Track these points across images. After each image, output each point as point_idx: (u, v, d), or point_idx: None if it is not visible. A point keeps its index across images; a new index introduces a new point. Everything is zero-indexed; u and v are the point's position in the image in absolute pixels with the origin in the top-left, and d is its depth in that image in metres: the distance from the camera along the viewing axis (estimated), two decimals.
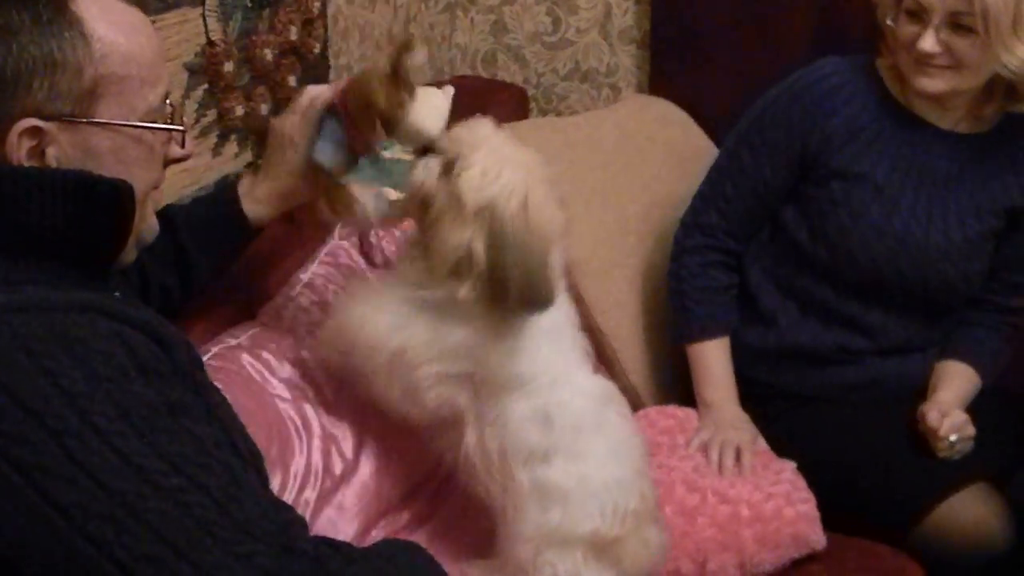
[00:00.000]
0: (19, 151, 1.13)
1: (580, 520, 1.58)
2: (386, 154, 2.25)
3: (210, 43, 1.98)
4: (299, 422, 1.69)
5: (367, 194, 1.62)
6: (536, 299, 1.50)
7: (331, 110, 1.62)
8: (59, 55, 1.13)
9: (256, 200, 1.64)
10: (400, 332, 1.57)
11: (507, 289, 1.48)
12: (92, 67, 1.15)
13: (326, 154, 1.62)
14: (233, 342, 1.74)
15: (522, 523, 1.59)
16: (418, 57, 1.55)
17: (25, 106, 1.12)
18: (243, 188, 1.65)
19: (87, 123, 1.16)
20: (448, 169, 1.53)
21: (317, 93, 1.63)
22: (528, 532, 1.59)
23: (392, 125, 1.58)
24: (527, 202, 1.50)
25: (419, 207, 1.57)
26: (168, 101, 1.26)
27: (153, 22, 1.85)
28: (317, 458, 1.68)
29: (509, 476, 1.59)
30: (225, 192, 1.65)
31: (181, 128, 1.27)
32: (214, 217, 1.63)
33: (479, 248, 1.48)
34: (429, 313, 1.56)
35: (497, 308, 1.50)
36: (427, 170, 1.55)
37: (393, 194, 1.65)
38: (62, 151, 1.15)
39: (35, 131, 1.13)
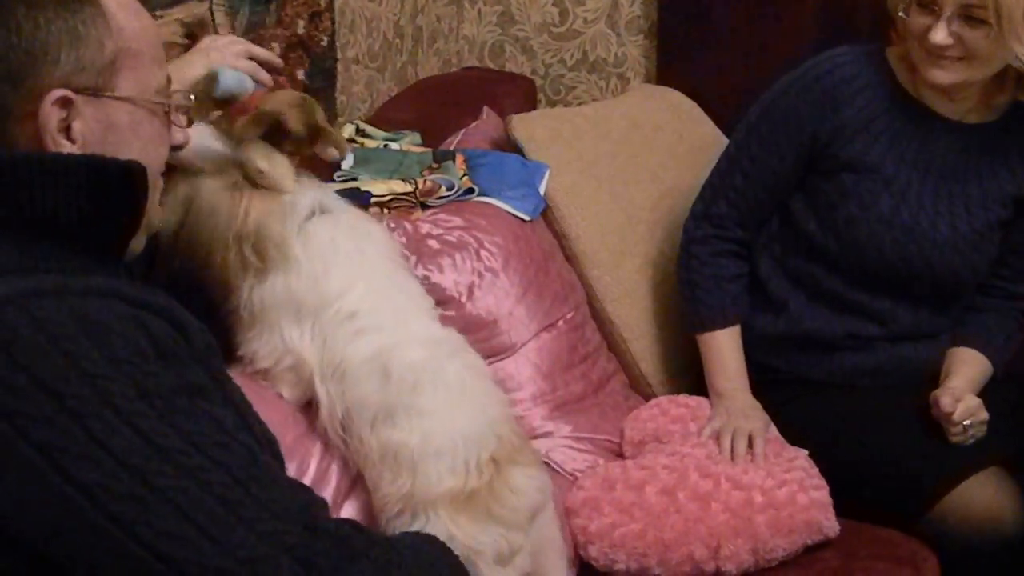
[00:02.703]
0: (51, 124, 1.14)
1: (431, 481, 1.54)
2: (393, 146, 2.26)
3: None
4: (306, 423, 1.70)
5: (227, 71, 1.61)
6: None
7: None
8: (82, 29, 1.16)
9: None
10: None
11: None
12: (111, 41, 1.18)
13: (225, 78, 1.60)
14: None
15: (380, 489, 1.58)
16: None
17: (55, 78, 1.15)
18: None
19: (109, 97, 1.18)
20: None
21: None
22: (387, 504, 1.57)
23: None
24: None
25: None
26: (192, 96, 1.32)
27: (160, 16, 1.87)
28: (331, 455, 1.68)
29: (357, 437, 1.58)
30: None
31: (191, 103, 1.31)
32: None
33: None
34: None
35: None
36: None
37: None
38: (87, 126, 1.17)
39: (65, 102, 1.15)
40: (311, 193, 1.64)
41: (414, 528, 1.53)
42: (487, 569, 1.56)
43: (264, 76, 1.64)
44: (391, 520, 1.57)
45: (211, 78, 1.57)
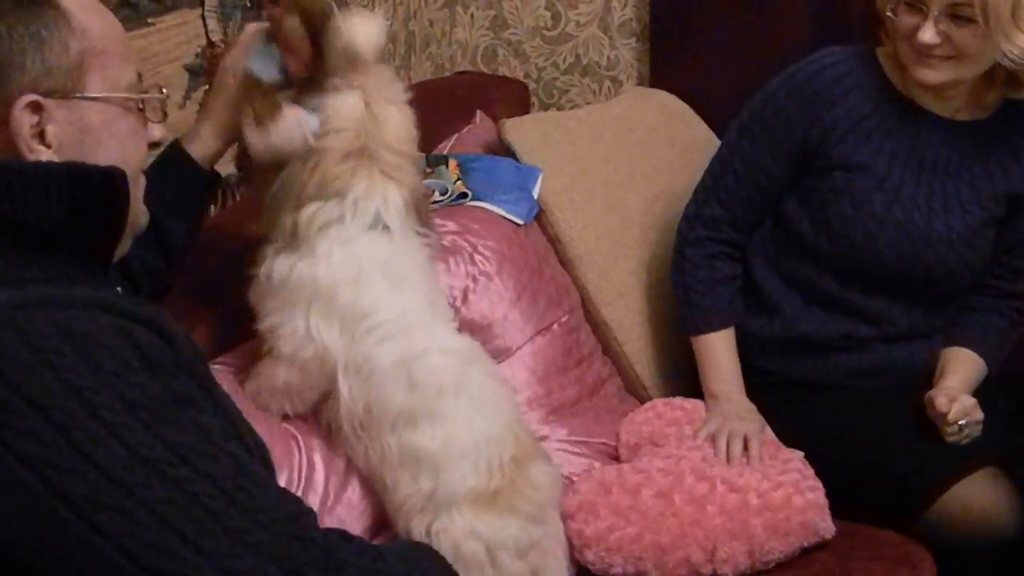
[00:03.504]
0: (23, 130, 1.14)
1: (455, 482, 1.61)
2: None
3: (210, 43, 1.99)
4: (304, 426, 1.70)
5: (299, 114, 1.61)
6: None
7: (269, 37, 1.63)
8: (45, 33, 1.16)
9: (201, 140, 1.64)
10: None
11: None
12: (76, 42, 1.18)
13: (260, 67, 1.62)
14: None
15: (400, 491, 1.62)
16: None
17: (23, 84, 1.15)
18: (186, 136, 1.65)
19: (80, 98, 1.18)
20: None
21: (258, 26, 1.66)
22: (411, 502, 1.61)
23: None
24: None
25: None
26: (163, 90, 1.31)
27: (152, 24, 1.87)
28: (318, 456, 1.69)
29: (377, 439, 1.62)
30: (169, 148, 1.64)
31: (164, 96, 1.30)
32: (169, 176, 1.62)
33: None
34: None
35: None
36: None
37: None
38: (60, 129, 1.17)
39: (35, 107, 1.15)
40: (375, 205, 1.65)
41: (435, 525, 1.58)
42: (509, 561, 1.62)
43: None
44: (411, 517, 1.62)
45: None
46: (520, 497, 1.65)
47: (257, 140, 1.59)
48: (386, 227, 1.64)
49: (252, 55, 1.62)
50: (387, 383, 1.61)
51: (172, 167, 1.63)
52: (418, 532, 1.61)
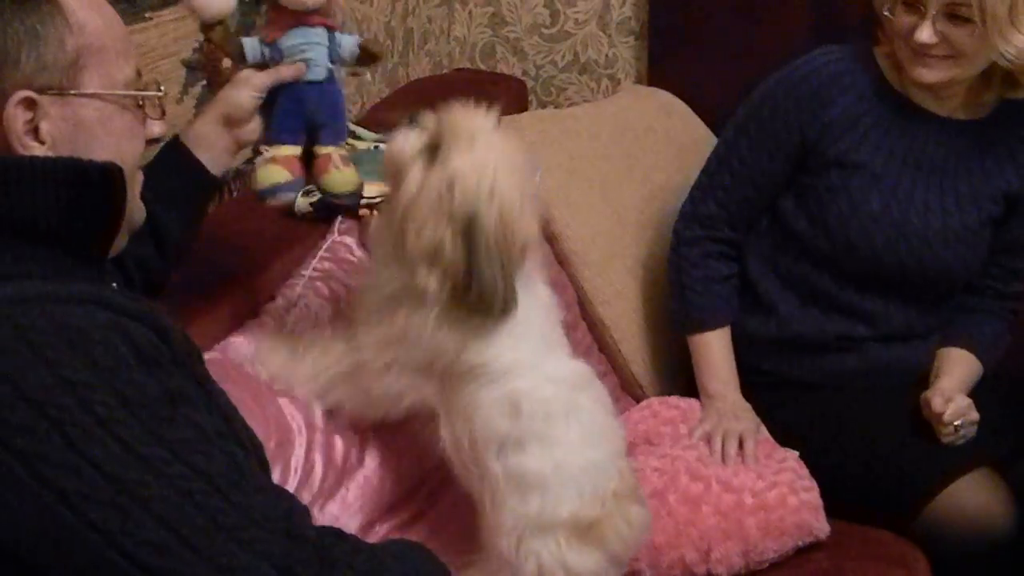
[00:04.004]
0: (16, 126, 1.14)
1: (559, 505, 1.58)
2: (384, 147, 2.25)
3: (207, 39, 1.98)
4: (301, 419, 1.69)
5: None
6: (496, 307, 1.50)
7: None
8: (41, 29, 1.15)
9: (202, 137, 1.60)
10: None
11: (472, 292, 1.48)
12: (72, 39, 1.17)
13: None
14: (237, 341, 1.74)
15: (502, 513, 1.59)
16: None
17: (17, 80, 1.14)
18: (186, 135, 1.61)
19: (75, 95, 1.18)
20: (433, 150, 1.51)
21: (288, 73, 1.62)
22: (508, 522, 1.59)
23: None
24: (510, 212, 1.49)
25: (393, 176, 1.56)
26: (161, 87, 1.29)
27: (150, 19, 1.87)
28: (318, 454, 1.68)
29: (483, 466, 1.59)
30: (171, 146, 1.61)
31: (161, 93, 1.29)
32: (168, 172, 1.58)
33: (451, 247, 1.47)
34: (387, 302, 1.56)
35: (458, 307, 1.50)
36: (407, 142, 1.54)
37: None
38: (54, 126, 1.16)
39: (29, 104, 1.14)
40: None
41: (526, 546, 1.58)
42: None
43: None
44: (509, 537, 1.59)
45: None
46: (612, 533, 1.62)
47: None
48: None
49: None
50: (491, 419, 1.57)
51: (173, 162, 1.60)
52: (505, 548, 1.59)
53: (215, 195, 1.68)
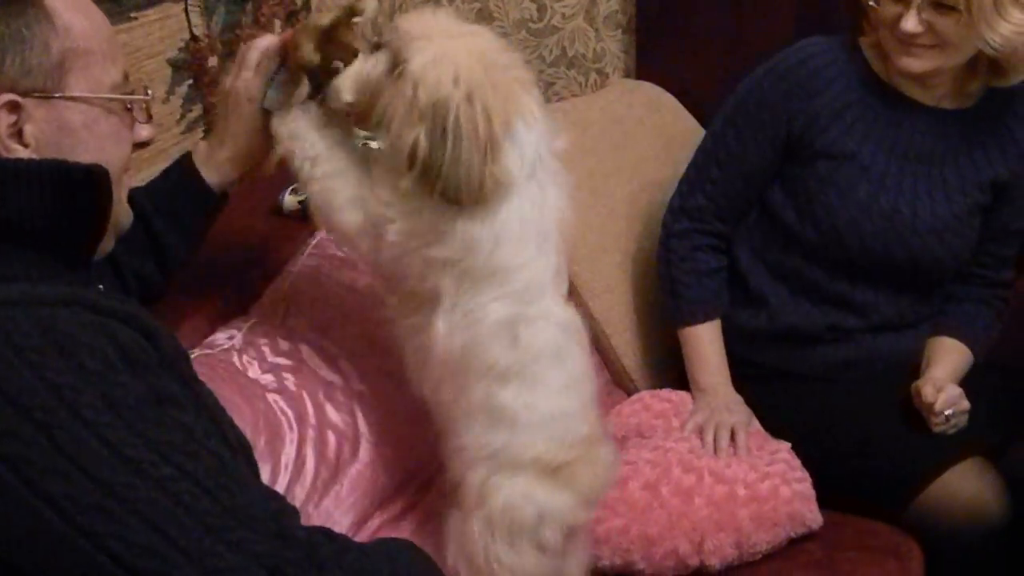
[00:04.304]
0: (0, 129, 1.14)
1: (524, 447, 1.57)
2: (372, 144, 2.25)
3: (193, 38, 1.98)
4: (292, 415, 1.69)
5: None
6: (470, 196, 1.47)
7: (281, 60, 1.57)
8: (27, 32, 1.15)
9: (218, 165, 1.59)
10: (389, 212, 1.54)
11: (442, 183, 1.45)
12: (58, 42, 1.16)
13: (275, 101, 1.56)
14: (224, 338, 1.74)
15: (466, 437, 1.58)
16: (369, 9, 1.54)
17: (1, 83, 1.14)
18: (200, 157, 1.59)
19: (60, 98, 1.17)
20: (397, 63, 1.48)
21: (267, 45, 1.57)
22: (472, 450, 1.58)
23: (319, 81, 1.55)
24: (480, 92, 1.45)
25: (367, 103, 1.53)
26: (148, 91, 1.29)
27: (135, 18, 1.87)
28: (310, 449, 1.68)
29: (463, 383, 1.57)
30: (182, 165, 1.60)
31: (148, 96, 1.29)
32: (177, 193, 1.59)
33: (424, 141, 1.44)
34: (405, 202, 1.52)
35: (435, 199, 1.48)
36: (371, 67, 1.51)
37: None
38: (39, 129, 1.16)
39: (13, 107, 1.14)
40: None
41: (494, 480, 1.56)
42: (550, 535, 1.59)
43: None
44: (469, 466, 1.58)
45: None
46: (581, 476, 1.61)
47: None
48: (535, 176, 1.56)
49: (268, 93, 1.55)
50: (490, 336, 1.54)
51: (183, 186, 1.59)
52: (473, 482, 1.58)
53: (220, 209, 1.66)
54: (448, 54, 1.46)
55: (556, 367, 1.59)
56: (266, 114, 1.56)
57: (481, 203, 1.48)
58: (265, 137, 1.57)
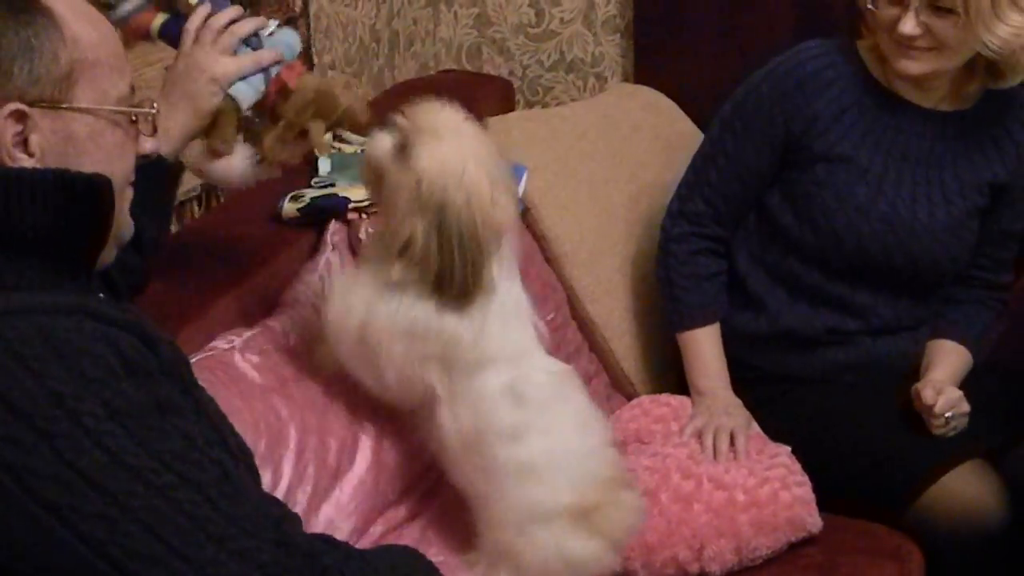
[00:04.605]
0: (5, 138, 1.13)
1: (558, 492, 1.62)
2: (347, 148, 2.26)
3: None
4: (293, 419, 1.69)
5: (246, 154, 1.60)
6: (468, 293, 1.56)
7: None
8: (35, 41, 1.14)
9: (165, 136, 1.53)
10: (364, 310, 1.61)
11: (443, 279, 1.54)
12: (66, 52, 1.16)
13: (243, 96, 1.58)
14: (225, 345, 1.74)
15: (503, 502, 1.62)
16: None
17: (9, 92, 1.14)
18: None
19: (67, 109, 1.17)
20: (403, 149, 1.56)
21: (228, 20, 1.58)
22: (510, 513, 1.62)
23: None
24: (479, 198, 1.53)
25: (374, 180, 1.62)
26: (155, 105, 1.28)
27: None
28: (311, 456, 1.68)
29: (486, 455, 1.62)
30: None
31: (154, 110, 1.28)
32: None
33: (424, 238, 1.53)
34: (391, 292, 1.59)
35: (432, 293, 1.56)
36: (379, 146, 1.58)
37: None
38: (44, 139, 1.15)
39: (19, 116, 1.14)
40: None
41: (526, 537, 1.61)
42: None
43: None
44: (505, 529, 1.63)
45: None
46: (610, 521, 1.66)
47: (199, 164, 1.61)
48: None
49: (238, 85, 1.57)
50: (495, 405, 1.61)
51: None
52: (509, 537, 1.63)
53: (178, 178, 1.65)
54: (454, 158, 1.54)
55: (564, 408, 1.66)
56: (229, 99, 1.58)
57: (470, 302, 1.57)
58: (210, 110, 1.58)
